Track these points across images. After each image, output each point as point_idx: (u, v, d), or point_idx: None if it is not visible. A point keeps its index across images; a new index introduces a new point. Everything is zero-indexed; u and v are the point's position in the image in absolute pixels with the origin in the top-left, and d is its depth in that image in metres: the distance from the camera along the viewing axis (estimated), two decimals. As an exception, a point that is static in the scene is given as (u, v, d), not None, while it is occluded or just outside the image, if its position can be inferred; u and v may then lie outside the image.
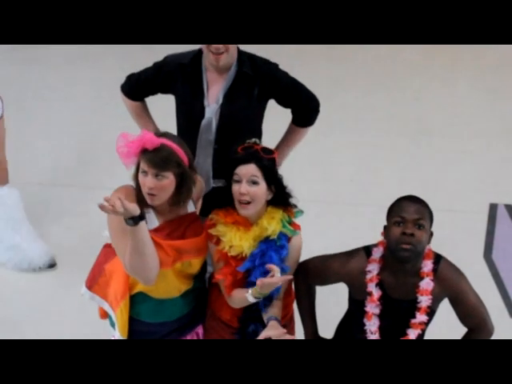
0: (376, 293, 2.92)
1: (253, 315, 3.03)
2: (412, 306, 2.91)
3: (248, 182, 2.84)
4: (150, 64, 3.54)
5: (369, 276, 2.92)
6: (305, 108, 3.49)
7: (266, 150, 2.91)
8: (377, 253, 2.94)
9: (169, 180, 2.81)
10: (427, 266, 2.91)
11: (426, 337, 3.07)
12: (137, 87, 3.47)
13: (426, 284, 2.90)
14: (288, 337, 2.84)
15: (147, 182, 2.81)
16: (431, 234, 2.89)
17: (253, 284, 2.89)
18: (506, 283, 4.41)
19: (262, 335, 2.85)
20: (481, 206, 4.84)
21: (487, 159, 5.21)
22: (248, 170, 2.83)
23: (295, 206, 2.98)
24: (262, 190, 2.85)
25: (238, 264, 2.91)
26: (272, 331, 2.84)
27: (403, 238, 2.79)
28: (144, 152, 2.79)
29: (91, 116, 5.47)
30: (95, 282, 3.15)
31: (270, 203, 2.91)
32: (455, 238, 4.37)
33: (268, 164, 2.87)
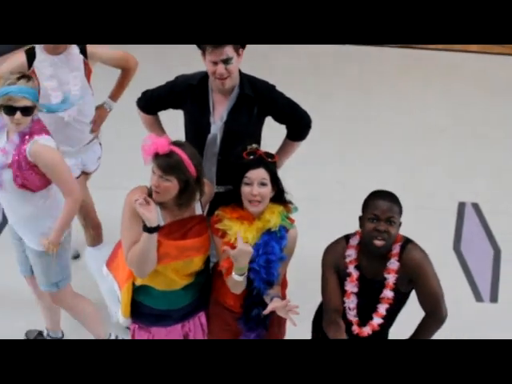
0: (355, 273, 2.98)
1: (255, 300, 3.08)
2: (382, 285, 2.97)
3: (258, 185, 2.92)
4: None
5: (348, 259, 2.98)
6: (298, 124, 3.53)
7: (269, 155, 3.01)
8: (354, 241, 3.00)
9: (172, 184, 2.87)
10: (395, 249, 2.95)
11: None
12: (150, 103, 3.52)
13: (392, 264, 2.94)
14: (292, 306, 2.87)
15: (153, 180, 2.88)
16: (400, 224, 2.92)
17: (255, 271, 2.99)
18: (473, 272, 4.56)
19: (268, 309, 2.90)
20: (451, 204, 4.97)
21: (456, 163, 5.30)
22: (259, 174, 2.92)
23: (291, 203, 3.05)
24: (269, 190, 2.95)
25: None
26: (276, 303, 2.89)
27: (376, 233, 2.86)
28: (156, 155, 2.85)
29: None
30: (112, 262, 3.21)
31: (270, 200, 2.99)
32: (428, 233, 4.40)
33: (273, 167, 2.97)
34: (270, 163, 2.97)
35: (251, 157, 2.97)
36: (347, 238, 3.03)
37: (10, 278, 4.23)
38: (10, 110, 3.12)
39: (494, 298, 4.40)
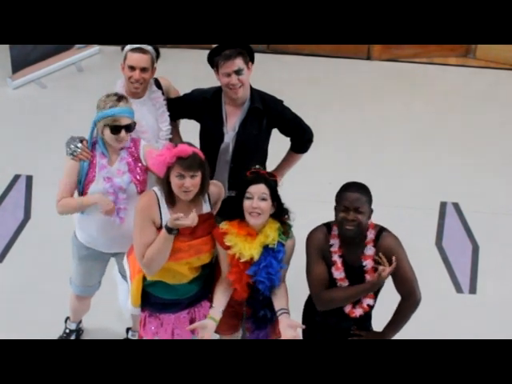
0: (339, 261, 3.02)
1: (263, 303, 3.16)
2: (362, 270, 3.02)
3: (259, 199, 2.97)
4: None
5: (333, 249, 3.03)
6: (301, 138, 3.59)
7: (270, 174, 3.07)
8: (335, 230, 3.04)
9: (199, 178, 2.97)
10: (369, 235, 3.00)
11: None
12: (169, 111, 3.53)
13: (369, 250, 3.00)
14: (298, 325, 3.00)
15: (186, 182, 2.94)
16: (372, 211, 2.99)
17: (259, 282, 3.05)
18: (453, 265, 4.58)
19: (282, 337, 3.01)
20: (433, 204, 4.98)
21: (438, 166, 5.32)
22: (259, 189, 2.97)
23: (289, 225, 3.09)
24: (268, 205, 3.00)
25: (246, 266, 3.06)
26: (287, 332, 3.00)
27: (346, 222, 2.93)
28: (180, 159, 2.93)
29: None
30: (130, 254, 3.26)
31: (270, 216, 3.05)
32: (413, 229, 4.48)
33: (273, 184, 3.02)
34: (270, 180, 3.02)
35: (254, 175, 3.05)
36: (327, 225, 3.08)
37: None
38: (116, 129, 3.17)
39: (472, 290, 4.43)
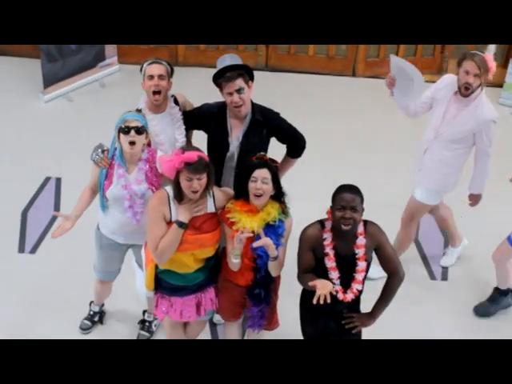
0: (331, 253, 3.18)
1: (259, 282, 3.33)
2: (354, 258, 3.20)
3: (262, 182, 3.17)
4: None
5: (325, 242, 3.17)
6: (296, 145, 3.81)
7: (272, 160, 3.30)
8: (328, 225, 3.19)
9: (205, 178, 3.15)
10: (360, 228, 3.18)
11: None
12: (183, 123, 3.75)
13: (360, 240, 3.18)
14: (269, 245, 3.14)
15: (194, 184, 3.11)
16: (363, 209, 3.14)
17: (260, 256, 3.25)
18: (428, 256, 4.84)
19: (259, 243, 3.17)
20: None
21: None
22: (262, 173, 3.18)
23: (286, 206, 3.26)
24: (270, 187, 3.20)
25: (250, 241, 3.22)
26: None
27: (344, 220, 3.08)
28: (187, 164, 3.10)
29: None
30: (146, 246, 3.38)
31: (271, 197, 3.25)
32: (394, 225, 4.54)
33: (274, 170, 3.23)
34: (272, 166, 3.23)
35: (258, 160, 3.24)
36: (321, 222, 3.21)
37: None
38: (126, 130, 3.38)
39: (444, 277, 4.68)
